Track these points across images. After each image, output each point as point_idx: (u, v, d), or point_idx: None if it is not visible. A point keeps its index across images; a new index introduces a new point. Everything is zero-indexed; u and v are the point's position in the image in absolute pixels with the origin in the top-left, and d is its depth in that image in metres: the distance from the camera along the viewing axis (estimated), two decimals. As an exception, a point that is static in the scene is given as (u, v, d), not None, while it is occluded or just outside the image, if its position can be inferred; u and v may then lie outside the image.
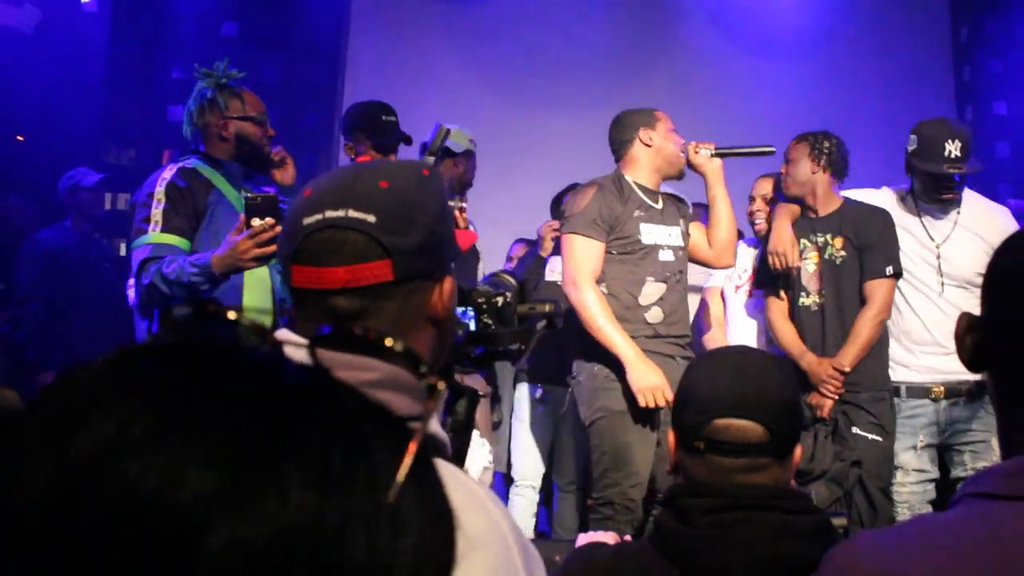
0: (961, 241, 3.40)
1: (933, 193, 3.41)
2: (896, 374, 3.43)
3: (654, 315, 3.12)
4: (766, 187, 3.91)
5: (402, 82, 5.43)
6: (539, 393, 4.04)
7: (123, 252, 4.73)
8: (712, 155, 3.33)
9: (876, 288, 3.34)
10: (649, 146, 3.26)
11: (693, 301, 3.70)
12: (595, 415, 3.10)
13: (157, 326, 2.85)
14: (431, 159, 3.17)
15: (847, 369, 3.28)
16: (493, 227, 4.43)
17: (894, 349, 3.45)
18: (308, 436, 0.44)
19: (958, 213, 3.44)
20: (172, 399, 0.43)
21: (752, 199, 3.93)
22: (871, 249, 3.37)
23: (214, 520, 0.41)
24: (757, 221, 3.82)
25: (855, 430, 3.31)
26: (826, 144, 3.48)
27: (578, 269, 3.10)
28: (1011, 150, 5.87)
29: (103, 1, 5.88)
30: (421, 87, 5.53)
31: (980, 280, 3.47)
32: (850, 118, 5.51)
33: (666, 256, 3.18)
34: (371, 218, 1.00)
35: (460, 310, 1.32)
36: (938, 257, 3.41)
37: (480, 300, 1.32)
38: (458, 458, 1.30)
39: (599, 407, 3.08)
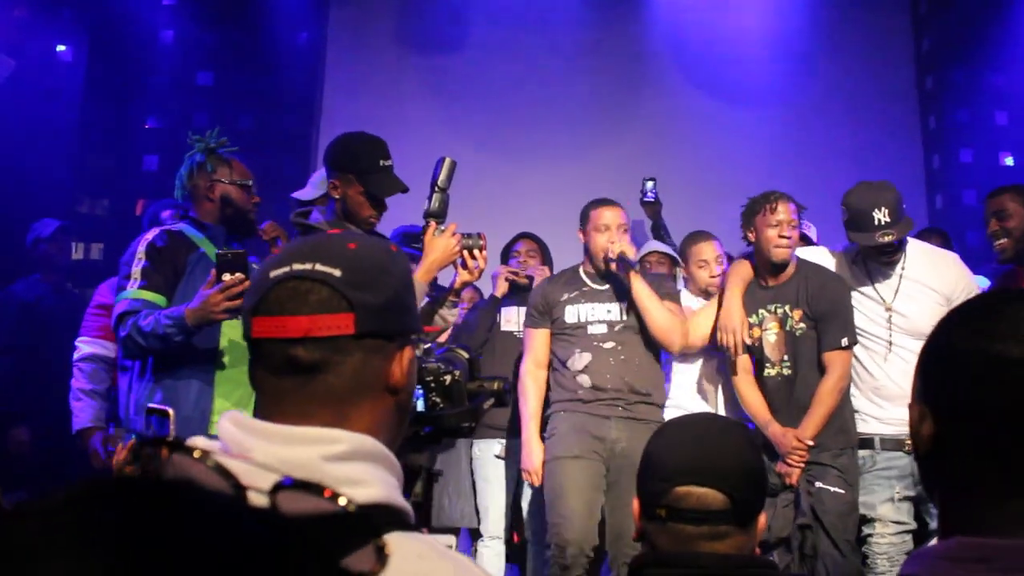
0: (910, 294, 3.47)
1: (875, 258, 3.49)
2: (869, 426, 3.48)
3: (584, 381, 3.61)
4: (718, 250, 3.98)
5: (377, 132, 5.46)
6: (499, 449, 4.07)
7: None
8: (612, 263, 3.60)
9: (833, 359, 3.43)
10: (584, 243, 3.79)
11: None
12: (544, 461, 3.62)
13: (138, 381, 2.95)
14: (437, 199, 2.94)
15: (810, 442, 3.35)
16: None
17: (864, 404, 3.50)
18: None
19: (903, 267, 3.50)
20: (125, 552, 0.43)
21: (704, 263, 3.97)
22: (826, 320, 3.44)
23: None
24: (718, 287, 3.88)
25: (819, 484, 3.37)
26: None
27: (525, 356, 3.80)
28: (978, 197, 5.95)
29: (78, 51, 5.90)
30: (396, 137, 5.55)
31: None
32: (818, 168, 5.61)
33: (597, 329, 3.65)
34: (337, 272, 1.00)
35: None
36: (889, 315, 3.47)
37: (428, 378, 1.32)
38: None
39: (545, 456, 3.61)
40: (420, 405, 1.32)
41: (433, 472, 1.32)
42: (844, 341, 3.42)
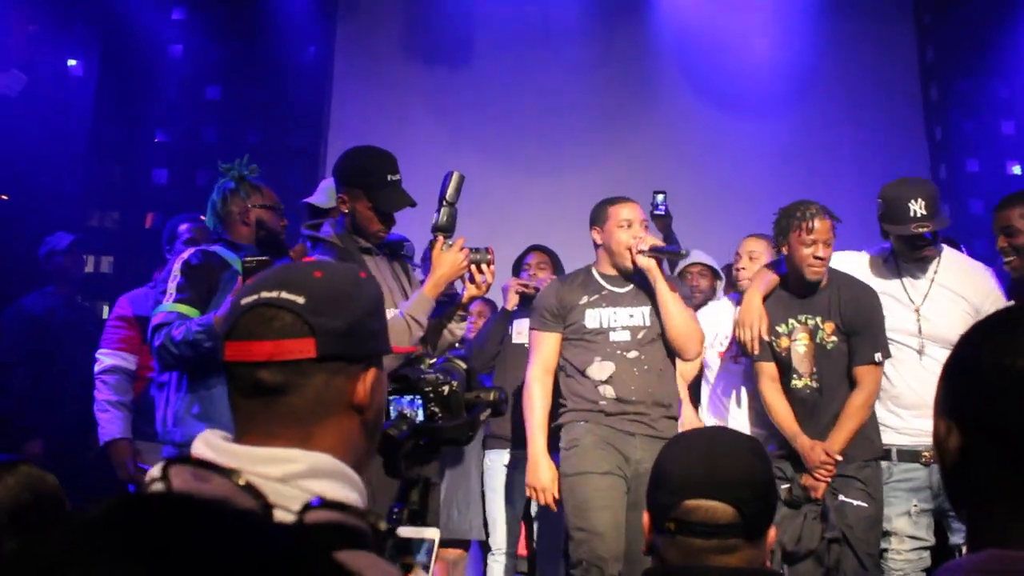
0: (941, 301, 3.40)
1: (909, 253, 3.42)
2: (886, 437, 3.40)
3: (606, 392, 3.39)
4: (753, 245, 3.89)
5: (384, 145, 5.49)
6: (507, 459, 4.04)
7: (106, 315, 4.74)
8: (646, 254, 3.40)
9: (865, 375, 3.34)
10: (598, 244, 3.54)
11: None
12: (563, 474, 3.38)
13: (175, 393, 3.05)
14: (445, 213, 2.94)
15: (838, 457, 3.27)
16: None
17: (881, 413, 3.41)
18: None
19: (935, 272, 3.44)
20: (156, 566, 0.44)
21: (738, 256, 3.93)
22: (859, 334, 3.34)
23: None
24: (742, 279, 3.77)
25: (842, 498, 3.29)
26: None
27: (532, 361, 3.53)
28: (984, 207, 5.97)
29: (89, 65, 5.95)
30: (404, 150, 5.58)
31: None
32: (825, 178, 5.61)
33: (620, 336, 3.43)
34: (300, 299, 1.07)
35: (408, 398, 1.37)
36: (918, 319, 3.41)
37: (427, 389, 1.37)
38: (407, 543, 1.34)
39: (565, 468, 3.38)
40: (420, 415, 1.36)
41: (431, 482, 1.34)
42: (877, 356, 3.33)
